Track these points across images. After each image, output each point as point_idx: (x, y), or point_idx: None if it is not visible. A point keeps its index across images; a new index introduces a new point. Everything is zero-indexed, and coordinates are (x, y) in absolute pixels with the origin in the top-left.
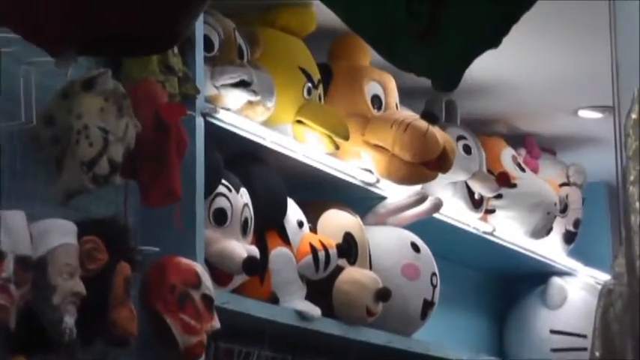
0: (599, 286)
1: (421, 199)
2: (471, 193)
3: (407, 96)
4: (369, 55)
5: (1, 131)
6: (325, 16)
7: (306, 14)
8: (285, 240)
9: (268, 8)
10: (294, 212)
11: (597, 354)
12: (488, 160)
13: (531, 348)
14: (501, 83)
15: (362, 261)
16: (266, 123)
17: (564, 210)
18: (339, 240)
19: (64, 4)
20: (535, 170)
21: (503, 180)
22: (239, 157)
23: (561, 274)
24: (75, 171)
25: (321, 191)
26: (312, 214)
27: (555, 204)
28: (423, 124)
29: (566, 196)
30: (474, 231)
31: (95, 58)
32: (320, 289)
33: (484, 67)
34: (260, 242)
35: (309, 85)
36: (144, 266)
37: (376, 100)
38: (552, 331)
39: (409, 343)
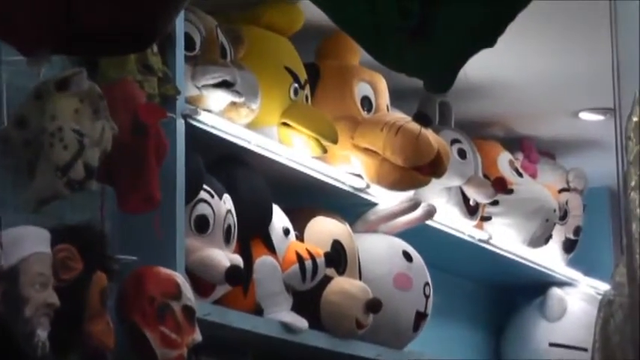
0: (600, 297)
1: (413, 205)
2: (465, 199)
3: (398, 97)
4: (358, 55)
5: None
6: (313, 13)
7: (293, 12)
8: (271, 248)
9: (253, 5)
10: (279, 219)
11: None
12: (484, 164)
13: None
14: (498, 84)
15: (351, 271)
16: (250, 125)
17: (564, 217)
18: (327, 248)
19: (36, 0)
20: (533, 175)
21: (500, 186)
22: (222, 161)
23: (561, 284)
24: (48, 176)
25: (308, 197)
26: (299, 222)
27: (554, 210)
28: (416, 126)
29: (566, 203)
30: (469, 239)
31: (70, 58)
32: (307, 300)
33: (480, 67)
34: (244, 251)
35: (296, 85)
36: (121, 276)
37: (366, 102)
38: (551, 344)
39: (401, 357)
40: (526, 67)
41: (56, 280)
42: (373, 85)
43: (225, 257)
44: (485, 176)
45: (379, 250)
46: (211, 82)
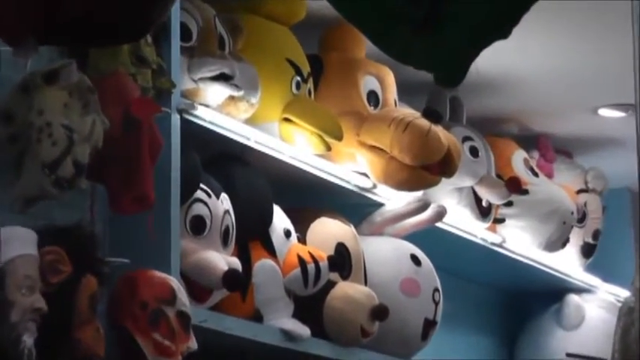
0: (620, 304)
1: (422, 206)
2: (478, 200)
3: (407, 92)
4: (364, 46)
5: None
6: (316, 3)
7: (295, 1)
8: (271, 251)
9: None
10: (280, 220)
11: None
12: (498, 163)
13: None
14: (513, 78)
15: (356, 275)
16: (250, 121)
17: (582, 219)
18: (331, 252)
19: None
20: (549, 175)
21: (514, 186)
22: (219, 159)
23: (578, 290)
24: (36, 173)
25: (310, 197)
26: (301, 223)
27: (572, 213)
28: (425, 123)
29: (585, 204)
30: (482, 242)
31: (58, 49)
32: (309, 307)
33: (494, 60)
34: (242, 254)
35: (298, 78)
36: (112, 280)
37: (372, 97)
38: (568, 354)
39: None
40: (543, 62)
41: (44, 283)
42: (380, 78)
43: (222, 260)
44: (499, 176)
45: (386, 253)
46: (208, 74)
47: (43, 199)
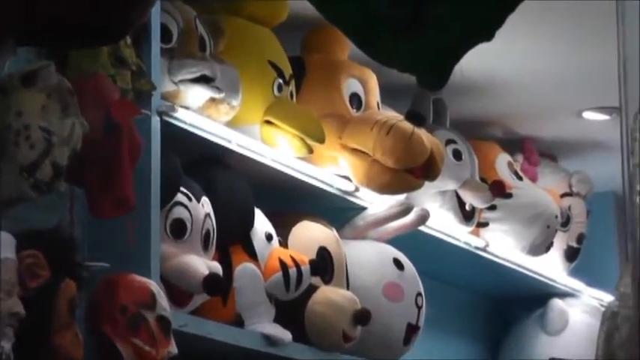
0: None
1: (405, 210)
2: (461, 203)
3: (390, 94)
4: (347, 48)
5: None
6: (298, 4)
7: (277, 2)
8: (252, 255)
9: None
10: (262, 224)
11: None
12: (482, 167)
13: None
14: (497, 81)
15: (338, 279)
16: (231, 123)
17: (566, 223)
18: (313, 256)
19: None
20: (534, 179)
21: (498, 189)
22: (200, 162)
23: (562, 295)
24: (14, 176)
25: (292, 201)
26: (283, 227)
27: (556, 216)
28: (408, 126)
29: (569, 208)
30: (465, 246)
31: (37, 50)
32: (291, 311)
33: (478, 63)
34: (223, 258)
35: (280, 81)
36: (91, 284)
37: (355, 99)
38: (552, 359)
39: None
40: (527, 64)
41: (22, 288)
42: (363, 81)
43: (203, 264)
44: (483, 179)
45: (368, 257)
46: (189, 76)
47: (21, 202)
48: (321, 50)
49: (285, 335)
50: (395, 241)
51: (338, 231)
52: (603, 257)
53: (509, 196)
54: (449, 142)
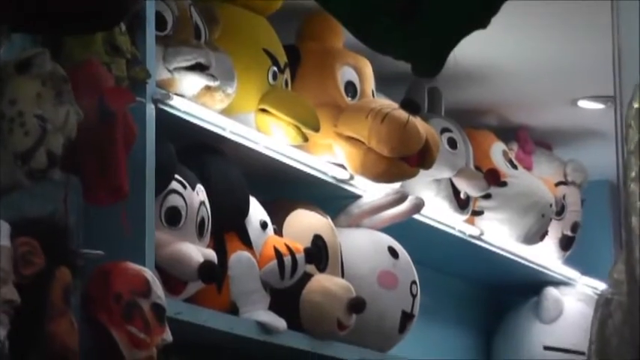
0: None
1: (400, 198)
2: (456, 192)
3: (385, 83)
4: (342, 37)
5: None
6: None
7: None
8: (247, 243)
9: None
10: (256, 212)
11: None
12: (476, 155)
13: None
14: (492, 70)
15: (333, 267)
16: (226, 111)
17: (561, 212)
18: (308, 244)
19: None
20: (528, 167)
21: (493, 178)
22: (195, 150)
23: (557, 283)
24: (8, 164)
25: (287, 189)
26: (278, 215)
27: (551, 205)
28: (403, 114)
29: (564, 197)
30: (460, 235)
31: (31, 37)
32: (285, 299)
33: (472, 51)
34: (218, 246)
35: (275, 69)
36: (86, 272)
37: (350, 87)
38: (546, 347)
39: None
40: (522, 53)
41: (16, 275)
42: (358, 69)
43: (198, 252)
44: (478, 168)
45: (363, 245)
46: (184, 64)
47: (15, 190)
48: (316, 38)
49: (280, 323)
50: (390, 229)
51: (333, 219)
52: (598, 246)
53: (504, 184)
54: (444, 130)
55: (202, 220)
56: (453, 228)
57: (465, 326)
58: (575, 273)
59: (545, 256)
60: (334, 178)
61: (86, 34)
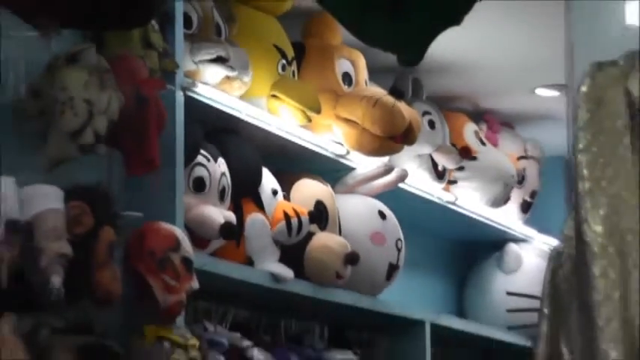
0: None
1: (388, 170)
2: (434, 165)
3: (376, 73)
4: (340, 35)
5: None
6: None
7: None
8: (260, 207)
9: None
10: (268, 181)
11: (546, 311)
12: (452, 134)
13: (489, 308)
14: (464, 62)
15: (332, 227)
16: (242, 97)
17: (521, 181)
18: (311, 207)
19: None
20: (495, 144)
21: (465, 153)
22: (217, 129)
23: (517, 240)
24: (61, 140)
25: (294, 162)
26: (286, 184)
27: (513, 176)
28: (391, 99)
29: (524, 169)
30: (437, 200)
31: (79, 33)
32: (292, 253)
33: (448, 46)
34: (236, 209)
35: (284, 61)
36: (127, 230)
37: (347, 77)
38: (509, 293)
39: (375, 303)
40: (489, 48)
41: (69, 233)
42: (353, 62)
43: (219, 214)
44: (453, 144)
45: (357, 209)
46: (207, 57)
47: (67, 161)
48: (318, 36)
49: (288, 273)
50: (379, 195)
51: (332, 187)
52: (553, 210)
53: (475, 159)
54: (425, 113)
55: (223, 188)
56: (432, 195)
57: (441, 275)
58: (533, 232)
59: (508, 217)
60: (333, 153)
61: (124, 30)
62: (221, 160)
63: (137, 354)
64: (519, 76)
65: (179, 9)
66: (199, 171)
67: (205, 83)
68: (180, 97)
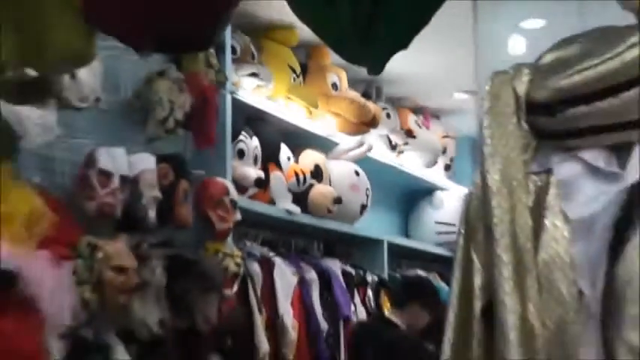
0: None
1: (360, 144)
2: (390, 141)
3: (353, 83)
4: (330, 58)
5: (110, 103)
6: (304, 34)
7: (292, 34)
8: (280, 168)
9: (271, 29)
10: (284, 152)
11: (462, 230)
12: (401, 121)
13: (424, 232)
14: (409, 75)
15: (325, 181)
16: (268, 98)
17: (444, 152)
18: (312, 169)
19: (144, 19)
20: (428, 128)
21: (409, 134)
22: (252, 118)
23: (442, 189)
24: (154, 125)
25: (301, 140)
26: (296, 153)
27: (439, 149)
28: (363, 99)
29: (446, 144)
30: (392, 164)
31: (167, 56)
32: (300, 197)
33: (398, 63)
34: (264, 169)
35: (294, 75)
36: (196, 183)
37: (334, 85)
38: (437, 222)
39: (352, 229)
40: (424, 66)
41: (159, 184)
42: (339, 76)
43: (254, 172)
44: (402, 128)
45: (341, 170)
46: (246, 73)
47: (159, 139)
48: (316, 59)
49: (297, 209)
50: (356, 161)
51: (325, 156)
52: (464, 169)
53: (415, 137)
54: (384, 108)
55: (256, 156)
56: (388, 160)
57: (393, 211)
58: (453, 184)
59: (436, 175)
60: (327, 134)
61: (192, 53)
62: (255, 138)
63: (202, 261)
64: (443, 84)
65: (228, 42)
66: (241, 145)
67: (244, 89)
68: (228, 98)
